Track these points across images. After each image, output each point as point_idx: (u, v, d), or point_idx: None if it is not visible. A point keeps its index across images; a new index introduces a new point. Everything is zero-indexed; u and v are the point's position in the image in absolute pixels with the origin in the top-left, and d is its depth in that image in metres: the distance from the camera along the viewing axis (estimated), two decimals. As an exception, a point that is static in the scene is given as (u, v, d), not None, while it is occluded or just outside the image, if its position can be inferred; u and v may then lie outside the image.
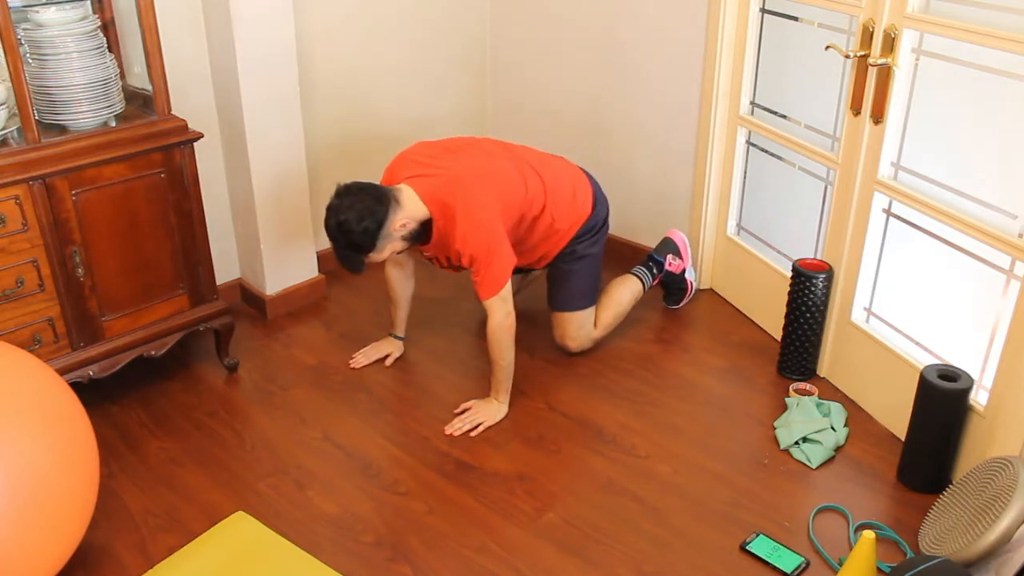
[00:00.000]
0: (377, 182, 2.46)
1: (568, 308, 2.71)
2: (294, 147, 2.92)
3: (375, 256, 2.36)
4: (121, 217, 2.33)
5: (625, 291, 2.85)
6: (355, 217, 2.26)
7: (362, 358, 2.76)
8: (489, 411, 2.49)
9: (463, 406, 2.52)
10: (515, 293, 2.67)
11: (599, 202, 2.68)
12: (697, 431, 2.44)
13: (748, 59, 2.77)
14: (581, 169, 2.71)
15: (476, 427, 2.45)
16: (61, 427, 1.80)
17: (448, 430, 2.45)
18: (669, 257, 2.95)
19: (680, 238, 3.01)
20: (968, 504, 1.94)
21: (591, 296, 2.74)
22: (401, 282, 2.73)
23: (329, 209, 2.32)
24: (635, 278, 2.88)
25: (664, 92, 3.05)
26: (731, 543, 2.06)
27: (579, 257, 2.66)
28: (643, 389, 2.63)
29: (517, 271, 2.72)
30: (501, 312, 2.41)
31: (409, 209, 2.35)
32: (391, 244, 2.35)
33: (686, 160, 3.06)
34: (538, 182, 2.51)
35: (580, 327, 2.73)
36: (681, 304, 3.06)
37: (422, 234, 2.42)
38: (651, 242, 3.20)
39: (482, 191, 2.37)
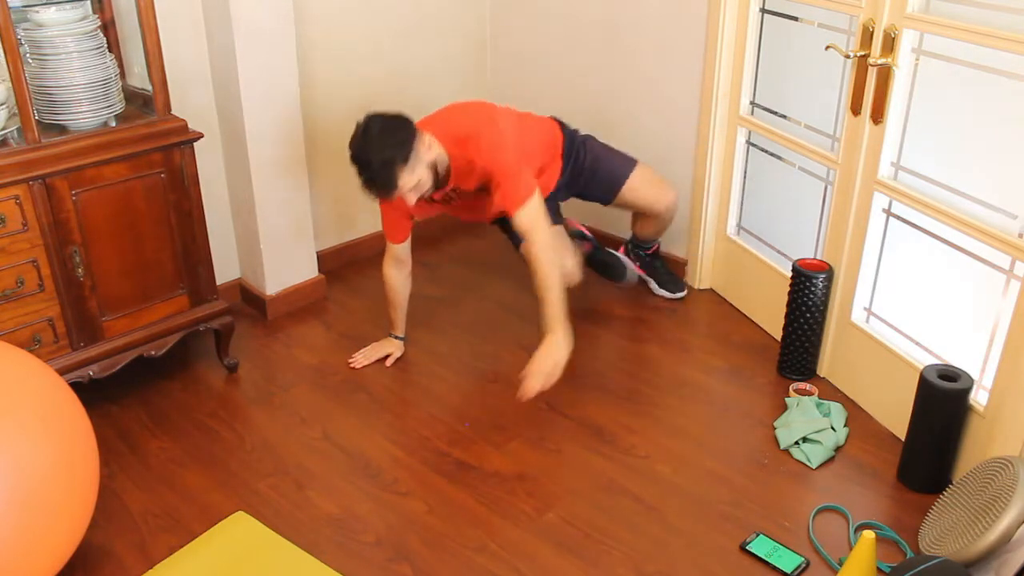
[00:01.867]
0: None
1: (622, 181, 2.79)
2: (294, 147, 2.92)
3: (407, 177, 2.28)
4: (121, 217, 2.33)
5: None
6: (387, 132, 2.29)
7: (362, 358, 2.76)
8: (552, 352, 2.30)
9: (524, 372, 2.31)
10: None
11: (567, 133, 2.81)
12: (697, 431, 2.44)
13: (748, 59, 2.77)
14: (552, 119, 2.83)
15: (549, 378, 2.30)
16: (61, 427, 1.80)
17: (524, 394, 2.28)
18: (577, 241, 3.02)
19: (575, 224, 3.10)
20: (968, 504, 1.94)
21: (625, 159, 2.83)
22: (399, 282, 2.73)
23: (358, 130, 2.32)
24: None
25: (664, 92, 3.05)
26: (731, 543, 2.06)
27: (589, 156, 2.78)
28: (643, 389, 2.63)
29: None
30: (544, 232, 2.34)
31: (429, 142, 2.39)
32: (419, 169, 2.32)
33: (686, 160, 3.06)
34: (524, 134, 2.61)
35: (651, 182, 2.82)
36: (682, 292, 3.09)
37: (442, 181, 2.46)
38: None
39: (495, 117, 2.48)
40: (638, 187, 2.79)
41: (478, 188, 2.50)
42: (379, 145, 2.27)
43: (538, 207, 2.39)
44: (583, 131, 2.86)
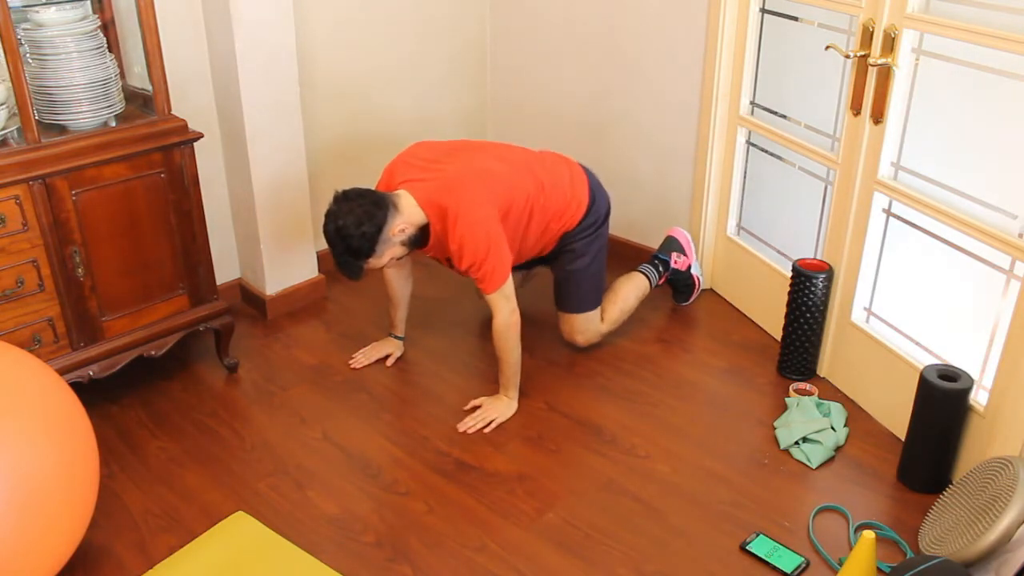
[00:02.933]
0: (374, 186, 2.46)
1: (576, 310, 2.72)
2: (294, 147, 2.92)
3: (374, 262, 2.36)
4: (121, 217, 2.33)
5: (632, 288, 2.86)
6: (354, 222, 2.26)
7: (362, 358, 2.76)
8: (500, 407, 2.50)
9: (473, 403, 2.53)
10: (518, 286, 2.67)
11: (597, 196, 2.67)
12: (697, 431, 2.44)
13: (748, 59, 2.77)
14: (579, 164, 2.71)
15: (488, 424, 2.46)
16: (61, 427, 1.80)
17: (461, 428, 2.45)
18: (674, 255, 2.97)
19: (683, 235, 3.02)
20: (968, 504, 1.94)
21: (597, 296, 2.75)
22: (400, 282, 2.73)
23: (328, 215, 2.32)
24: (641, 275, 2.90)
25: (664, 92, 3.05)
26: (731, 543, 2.06)
27: (581, 255, 2.66)
28: (643, 389, 2.63)
29: (519, 267, 2.74)
30: (506, 309, 2.42)
31: (407, 214, 2.35)
32: (390, 249, 2.35)
33: (686, 160, 3.06)
34: (532, 179, 2.51)
35: (587, 323, 2.74)
36: (691, 300, 3.07)
37: (420, 240, 2.43)
38: (651, 242, 3.21)
39: (476, 191, 2.37)
40: (576, 319, 2.73)
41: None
42: (345, 235, 2.27)
43: (509, 290, 2.42)
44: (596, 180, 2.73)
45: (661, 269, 2.95)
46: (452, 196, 2.34)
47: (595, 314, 2.75)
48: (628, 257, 3.22)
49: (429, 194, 2.37)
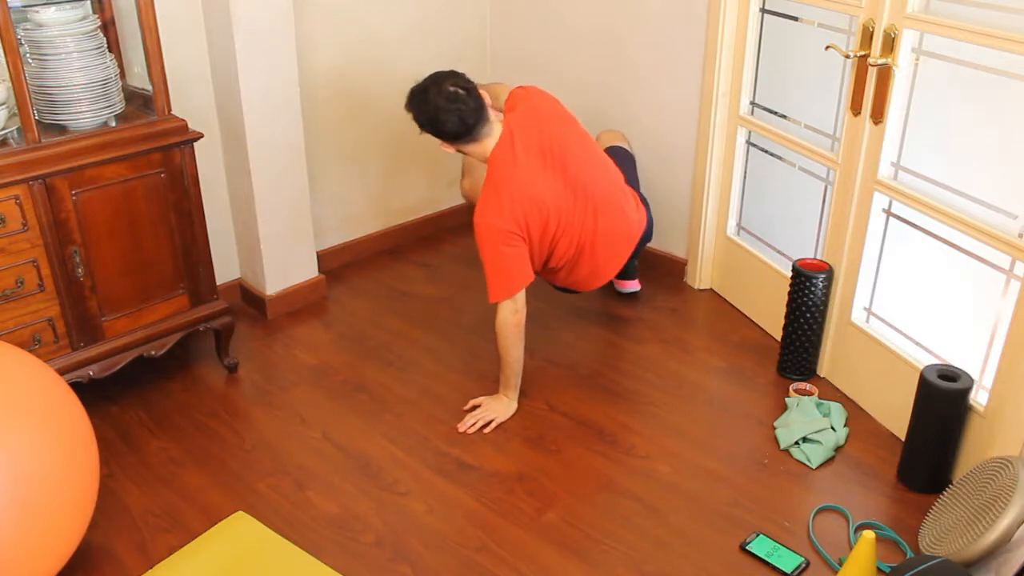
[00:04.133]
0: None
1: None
2: (294, 147, 2.92)
3: (441, 144, 2.46)
4: (121, 217, 2.33)
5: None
6: (457, 117, 2.37)
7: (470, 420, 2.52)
8: (499, 407, 2.50)
9: (472, 403, 2.53)
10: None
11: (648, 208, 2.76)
12: (697, 431, 2.44)
13: (748, 59, 2.77)
14: (631, 189, 2.71)
15: (488, 424, 2.46)
16: (61, 427, 1.80)
17: (460, 428, 2.45)
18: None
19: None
20: (968, 504, 1.94)
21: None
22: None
23: (440, 92, 2.39)
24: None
25: (664, 92, 3.05)
26: (731, 543, 2.06)
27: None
28: (643, 389, 2.63)
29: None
30: (507, 309, 2.43)
31: (485, 145, 2.43)
32: (447, 147, 2.47)
33: (686, 160, 3.06)
34: (590, 219, 2.52)
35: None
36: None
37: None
38: (652, 242, 3.20)
39: (504, 208, 2.37)
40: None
41: None
42: (436, 111, 2.38)
43: (510, 301, 2.42)
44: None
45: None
46: (486, 188, 2.40)
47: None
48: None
49: (493, 158, 2.42)
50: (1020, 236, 1.99)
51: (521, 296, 2.44)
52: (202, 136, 2.44)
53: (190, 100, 2.76)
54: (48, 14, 2.21)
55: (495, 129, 2.43)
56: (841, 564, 1.97)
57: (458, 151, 2.48)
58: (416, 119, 2.43)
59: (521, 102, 2.53)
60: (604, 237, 2.56)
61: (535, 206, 2.40)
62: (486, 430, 2.45)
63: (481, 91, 2.44)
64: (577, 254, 2.56)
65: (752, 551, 2.02)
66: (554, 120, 2.52)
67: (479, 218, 2.38)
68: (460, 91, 2.37)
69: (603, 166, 2.60)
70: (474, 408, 2.52)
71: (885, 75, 2.23)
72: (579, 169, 2.50)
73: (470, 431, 2.44)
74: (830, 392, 2.58)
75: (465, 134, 2.39)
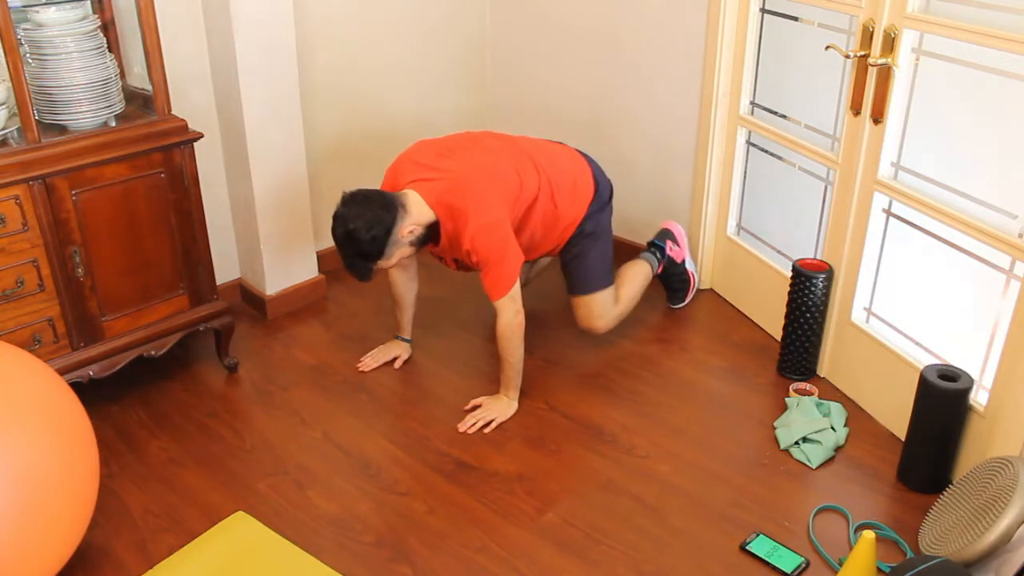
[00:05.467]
0: (378, 186, 2.46)
1: (589, 291, 2.70)
2: (294, 147, 2.92)
3: (384, 263, 2.36)
4: (121, 217, 2.33)
5: (637, 270, 2.88)
6: (364, 225, 2.26)
7: (370, 361, 2.76)
8: (500, 407, 2.51)
9: (473, 403, 2.54)
10: (523, 286, 2.68)
11: (600, 181, 2.68)
12: (697, 431, 2.44)
13: (748, 59, 2.77)
14: (580, 152, 2.70)
15: (488, 424, 2.46)
16: (61, 427, 1.80)
17: (461, 427, 2.45)
18: (668, 243, 2.98)
19: (676, 228, 3.03)
20: (968, 504, 1.94)
21: (609, 274, 2.74)
22: (405, 284, 2.73)
23: (336, 218, 2.31)
24: (643, 260, 2.92)
25: (664, 92, 3.05)
26: (731, 543, 2.06)
27: (587, 235, 2.65)
28: (643, 389, 2.63)
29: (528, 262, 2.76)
30: (511, 311, 2.42)
31: (416, 215, 2.35)
32: (399, 250, 2.36)
33: (686, 160, 3.06)
34: (536, 176, 2.50)
35: (605, 305, 2.72)
36: (686, 300, 3.06)
37: (429, 238, 2.43)
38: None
39: (488, 193, 2.37)
40: (592, 302, 2.71)
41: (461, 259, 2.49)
42: (355, 239, 2.27)
43: (516, 292, 2.42)
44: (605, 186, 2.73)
45: (658, 255, 2.96)
46: (463, 197, 2.35)
47: (610, 293, 2.73)
48: (628, 257, 3.19)
49: (439, 194, 2.37)
50: (1020, 236, 1.99)
51: (519, 295, 2.44)
52: (202, 136, 2.44)
53: (190, 100, 2.76)
54: (48, 14, 2.21)
55: (409, 197, 2.35)
56: (841, 564, 1.97)
57: (416, 241, 2.39)
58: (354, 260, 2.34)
59: (397, 165, 2.51)
60: (556, 176, 2.55)
61: (502, 178, 2.41)
62: (486, 430, 2.45)
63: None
64: (537, 210, 2.53)
65: (752, 551, 2.02)
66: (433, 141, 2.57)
67: (479, 220, 2.35)
68: (350, 219, 2.28)
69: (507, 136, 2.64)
70: (475, 408, 2.52)
71: (885, 75, 2.23)
72: (489, 138, 2.55)
73: (470, 431, 2.45)
74: (830, 392, 2.58)
75: (390, 222, 2.29)
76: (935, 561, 1.74)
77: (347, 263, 2.35)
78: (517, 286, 2.43)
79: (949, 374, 2.13)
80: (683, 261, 3.02)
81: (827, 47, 2.40)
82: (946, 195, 2.19)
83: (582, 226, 2.64)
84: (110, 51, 2.38)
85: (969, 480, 2.00)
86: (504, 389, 2.53)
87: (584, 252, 2.67)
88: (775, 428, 2.43)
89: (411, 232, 2.34)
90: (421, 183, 2.39)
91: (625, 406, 2.56)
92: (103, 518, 2.13)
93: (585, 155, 2.71)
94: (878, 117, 2.27)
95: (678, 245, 3.01)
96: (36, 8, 2.20)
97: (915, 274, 2.40)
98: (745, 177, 2.96)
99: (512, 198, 2.43)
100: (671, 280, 3.03)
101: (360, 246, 2.28)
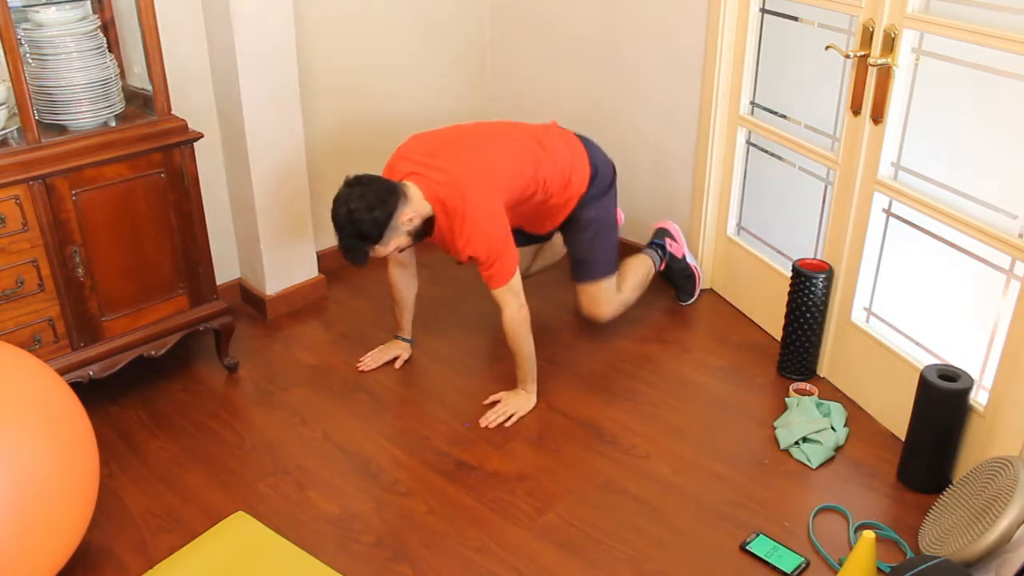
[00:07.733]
0: None
1: (594, 278, 2.71)
2: (294, 147, 2.92)
3: (380, 249, 2.34)
4: (121, 217, 2.33)
5: (639, 263, 2.91)
6: (365, 206, 2.26)
7: (370, 361, 2.75)
8: (519, 401, 2.52)
9: (492, 398, 2.55)
10: (524, 277, 2.68)
11: (599, 165, 2.66)
12: (697, 431, 2.44)
13: (748, 59, 2.77)
14: (575, 135, 2.69)
15: (509, 418, 2.48)
16: (61, 427, 1.80)
17: (483, 423, 2.47)
18: (667, 239, 3.01)
19: (671, 225, 3.06)
20: (968, 504, 1.94)
21: (613, 263, 2.75)
22: (405, 283, 2.73)
23: (338, 198, 2.30)
24: (645, 255, 2.95)
25: (664, 92, 3.05)
26: (731, 543, 2.06)
27: (593, 221, 2.66)
28: (643, 389, 2.63)
29: (527, 242, 2.80)
30: (514, 305, 2.43)
31: (416, 205, 2.35)
32: (397, 238, 2.35)
33: (686, 160, 3.06)
34: (530, 161, 2.50)
35: (609, 292, 2.74)
36: (695, 294, 3.07)
37: (424, 233, 2.43)
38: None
39: (481, 188, 2.37)
40: (597, 290, 2.72)
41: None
42: (356, 219, 2.26)
43: (517, 285, 2.43)
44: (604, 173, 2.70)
45: (660, 252, 2.99)
46: (457, 193, 2.35)
47: (614, 281, 2.75)
48: (629, 256, 3.21)
49: (433, 190, 2.37)
50: (1020, 236, 1.99)
51: (521, 288, 2.44)
52: (202, 136, 2.44)
53: (190, 100, 2.76)
54: (48, 14, 2.21)
55: (409, 188, 2.35)
56: (841, 564, 1.97)
57: (414, 231, 2.38)
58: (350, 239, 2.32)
59: (392, 162, 2.51)
60: (550, 166, 2.54)
61: (494, 173, 2.41)
62: (508, 423, 2.46)
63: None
64: (529, 197, 2.53)
65: (752, 551, 2.02)
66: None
67: (475, 219, 2.34)
68: (353, 201, 2.28)
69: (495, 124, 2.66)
70: (494, 404, 2.53)
71: (885, 75, 2.23)
72: (482, 130, 2.59)
73: (491, 426, 2.45)
74: (830, 392, 2.58)
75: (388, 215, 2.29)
76: (935, 561, 1.74)
77: (344, 244, 2.33)
78: (518, 279, 2.43)
79: (949, 374, 2.13)
80: (683, 256, 3.03)
81: (827, 47, 2.40)
82: (946, 195, 2.19)
83: (582, 212, 2.65)
84: (110, 51, 2.38)
85: (969, 480, 2.00)
86: (521, 383, 2.54)
87: (589, 239, 2.68)
88: (775, 428, 2.43)
89: (410, 220, 2.34)
90: (415, 177, 2.40)
91: (625, 406, 2.56)
92: (103, 518, 2.13)
93: (583, 138, 2.70)
94: (878, 117, 2.27)
95: (676, 241, 3.03)
96: (36, 8, 2.20)
97: (915, 274, 2.40)
98: (745, 177, 2.96)
99: (506, 190, 2.44)
100: (676, 276, 3.04)
101: (360, 226, 2.27)
